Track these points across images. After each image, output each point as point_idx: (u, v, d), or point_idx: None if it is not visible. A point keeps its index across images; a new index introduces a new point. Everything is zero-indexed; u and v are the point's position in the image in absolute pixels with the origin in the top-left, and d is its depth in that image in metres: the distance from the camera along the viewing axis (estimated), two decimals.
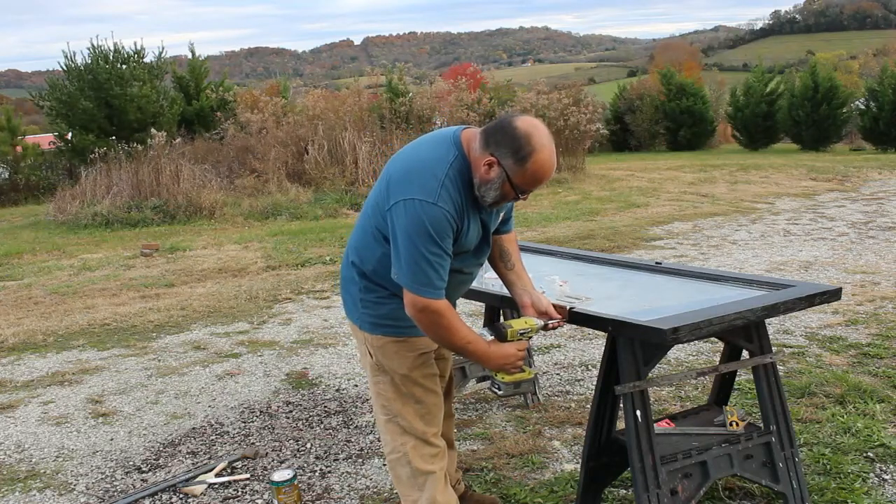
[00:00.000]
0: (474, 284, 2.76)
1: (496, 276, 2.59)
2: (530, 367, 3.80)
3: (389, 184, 2.19)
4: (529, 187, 2.15)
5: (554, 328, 2.41)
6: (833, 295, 2.61)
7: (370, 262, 2.31)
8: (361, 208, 2.45)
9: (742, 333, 2.59)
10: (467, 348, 2.23)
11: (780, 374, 3.06)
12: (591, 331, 4.83)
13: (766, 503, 2.81)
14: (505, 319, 3.73)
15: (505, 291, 2.57)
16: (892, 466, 3.02)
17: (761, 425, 2.69)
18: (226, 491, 3.17)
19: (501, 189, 2.14)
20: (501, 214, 2.42)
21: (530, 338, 2.35)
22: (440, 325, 2.17)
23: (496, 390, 2.36)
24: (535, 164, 2.09)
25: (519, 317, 2.39)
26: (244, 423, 3.88)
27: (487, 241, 2.37)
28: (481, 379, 3.74)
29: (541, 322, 2.34)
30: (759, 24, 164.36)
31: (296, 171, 13.25)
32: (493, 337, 2.31)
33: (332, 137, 13.34)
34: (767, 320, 2.64)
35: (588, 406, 3.54)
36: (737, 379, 3.62)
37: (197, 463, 3.44)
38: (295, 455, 3.47)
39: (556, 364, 4.49)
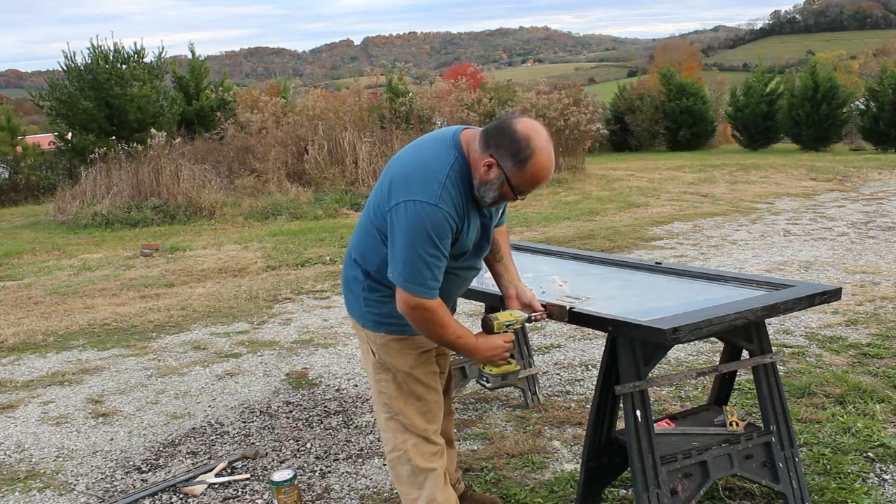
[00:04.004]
0: (474, 284, 2.77)
1: None
2: (530, 366, 3.81)
3: (391, 186, 2.20)
4: (528, 188, 2.17)
5: (537, 320, 2.48)
6: (833, 295, 2.61)
7: (373, 262, 2.33)
8: (363, 209, 2.46)
9: (742, 333, 2.59)
10: (458, 342, 2.27)
11: (780, 374, 3.06)
12: (591, 331, 4.83)
13: (766, 503, 2.81)
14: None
15: None
16: (892, 466, 3.02)
17: (761, 425, 2.69)
18: (226, 491, 3.17)
19: (500, 190, 2.17)
20: (501, 211, 2.46)
21: (515, 330, 2.40)
22: (432, 321, 2.20)
23: (485, 383, 2.40)
24: (534, 167, 2.11)
25: (504, 309, 2.45)
26: (244, 423, 3.88)
27: (487, 239, 2.40)
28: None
29: (525, 315, 2.41)
30: (759, 24, 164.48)
31: (296, 171, 13.25)
32: (480, 330, 2.37)
33: (332, 137, 13.34)
34: (767, 320, 2.64)
35: (588, 406, 3.54)
36: (737, 379, 3.62)
37: (197, 463, 3.44)
38: (295, 455, 3.47)
39: (556, 364, 4.49)
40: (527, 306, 2.44)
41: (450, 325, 2.24)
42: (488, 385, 2.39)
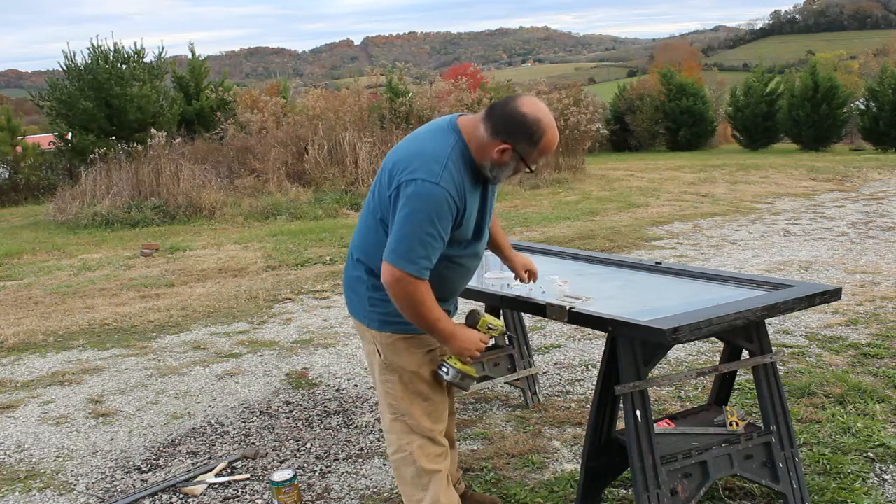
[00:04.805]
0: (474, 284, 2.77)
1: (496, 276, 2.61)
2: (530, 366, 3.81)
3: (392, 171, 2.23)
4: (540, 160, 2.34)
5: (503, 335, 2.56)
6: (833, 295, 2.61)
7: (378, 257, 2.31)
8: (362, 207, 2.46)
9: (742, 333, 2.59)
10: (436, 325, 2.27)
11: (780, 374, 3.06)
12: (591, 331, 4.83)
13: (766, 503, 2.81)
14: (503, 320, 3.75)
15: (506, 292, 2.60)
16: (892, 466, 3.03)
17: (761, 425, 2.69)
18: (226, 491, 3.17)
19: (515, 168, 2.31)
20: (496, 192, 2.52)
21: (492, 336, 2.43)
22: (414, 297, 2.19)
23: (443, 374, 2.39)
24: (546, 142, 2.25)
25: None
26: (244, 423, 3.88)
27: (486, 225, 2.41)
28: (482, 379, 3.74)
29: (504, 327, 2.47)
30: (759, 24, 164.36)
31: (296, 171, 13.25)
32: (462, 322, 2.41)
33: (332, 137, 13.34)
34: (767, 320, 2.64)
35: (588, 406, 3.54)
36: (737, 379, 3.62)
37: (197, 463, 3.44)
38: (295, 455, 3.47)
39: (556, 364, 4.49)
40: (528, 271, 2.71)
41: (432, 307, 2.23)
42: (447, 377, 2.37)
